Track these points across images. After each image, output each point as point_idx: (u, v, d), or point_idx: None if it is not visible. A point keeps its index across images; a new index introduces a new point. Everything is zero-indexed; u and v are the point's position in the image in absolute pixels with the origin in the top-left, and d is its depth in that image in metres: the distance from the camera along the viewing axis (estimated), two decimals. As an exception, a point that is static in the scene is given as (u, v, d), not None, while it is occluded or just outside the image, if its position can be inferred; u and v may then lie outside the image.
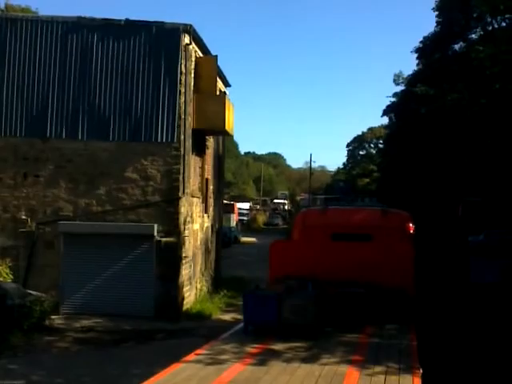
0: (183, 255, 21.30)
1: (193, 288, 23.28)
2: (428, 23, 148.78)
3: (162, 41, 20.92)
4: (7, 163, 21.00)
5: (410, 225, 15.83)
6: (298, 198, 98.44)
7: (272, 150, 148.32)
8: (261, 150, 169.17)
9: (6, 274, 20.30)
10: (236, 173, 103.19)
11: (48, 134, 20.87)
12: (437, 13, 36.89)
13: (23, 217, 20.91)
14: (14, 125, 20.97)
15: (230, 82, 29.87)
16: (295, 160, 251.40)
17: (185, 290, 21.65)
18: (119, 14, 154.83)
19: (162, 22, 21.00)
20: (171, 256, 20.61)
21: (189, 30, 21.12)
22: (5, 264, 20.41)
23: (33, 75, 21.05)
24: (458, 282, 21.39)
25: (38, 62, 21.07)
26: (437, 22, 37.39)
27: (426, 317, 16.17)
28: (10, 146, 20.95)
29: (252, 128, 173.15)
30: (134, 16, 21.73)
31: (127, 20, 21.18)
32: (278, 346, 10.40)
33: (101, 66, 20.98)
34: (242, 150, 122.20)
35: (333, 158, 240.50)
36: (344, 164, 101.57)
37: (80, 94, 20.97)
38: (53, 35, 21.12)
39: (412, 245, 15.06)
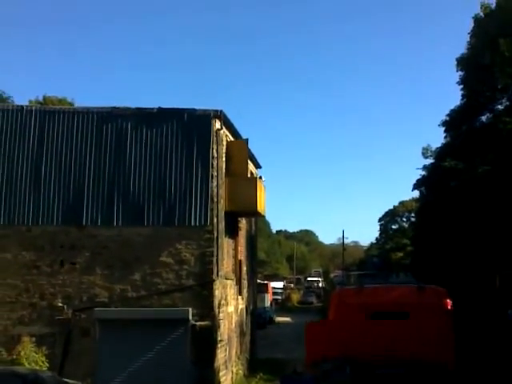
0: (218, 339, 21.15)
1: (229, 372, 22.99)
2: (454, 96, 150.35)
3: (193, 127, 21.44)
4: (44, 251, 21.30)
5: (448, 301, 15.65)
6: (332, 274, 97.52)
7: (303, 227, 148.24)
8: (292, 228, 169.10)
9: (42, 362, 20.28)
10: (269, 252, 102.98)
11: (84, 222, 21.24)
12: (462, 86, 37.33)
13: (59, 304, 21.03)
14: (50, 213, 21.40)
15: (261, 161, 30.35)
16: (327, 236, 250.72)
17: (221, 374, 21.38)
18: (151, 102, 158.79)
19: (194, 109, 21.58)
20: (206, 340, 20.46)
21: (219, 115, 21.66)
22: (41, 352, 20.41)
23: (69, 164, 21.61)
24: (500, 356, 20.90)
25: (74, 151, 21.66)
26: (462, 95, 37.76)
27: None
28: (46, 234, 21.33)
29: (283, 206, 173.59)
30: (166, 103, 22.39)
31: (160, 108, 21.80)
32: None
33: (135, 153, 21.50)
34: (274, 228, 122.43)
35: (365, 233, 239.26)
36: (377, 238, 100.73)
37: (115, 180, 21.44)
38: (88, 125, 21.78)
39: (451, 321, 14.86)
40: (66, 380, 18.57)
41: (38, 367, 19.59)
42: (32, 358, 20.07)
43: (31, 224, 21.39)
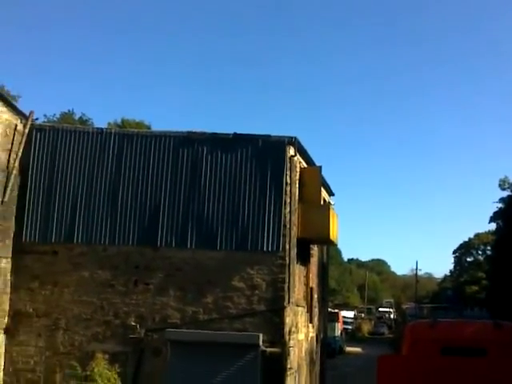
0: (288, 366, 20.98)
1: (297, 400, 22.77)
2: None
3: (267, 153, 21.54)
4: (119, 270, 21.70)
5: (526, 339, 15.04)
6: (404, 306, 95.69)
7: (375, 257, 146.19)
8: (364, 257, 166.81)
9: (115, 379, 20.57)
10: (339, 280, 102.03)
11: (158, 243, 21.56)
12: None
13: (133, 323, 21.34)
14: (126, 234, 21.80)
15: (334, 189, 30.27)
16: (400, 267, 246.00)
17: (289, 402, 21.19)
18: (226, 127, 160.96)
19: (269, 135, 21.69)
20: (276, 367, 20.31)
21: (293, 142, 21.71)
22: (114, 370, 20.70)
23: (145, 187, 22.03)
24: None
25: (150, 174, 22.06)
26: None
27: None
28: (122, 254, 21.76)
29: (355, 234, 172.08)
30: (241, 129, 22.59)
31: (235, 134, 22.01)
32: None
33: (209, 178, 21.74)
34: (346, 256, 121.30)
35: (439, 265, 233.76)
36: (451, 271, 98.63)
37: (190, 204, 21.70)
38: (165, 149, 22.15)
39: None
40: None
41: (110, 385, 19.94)
42: (105, 375, 20.41)
43: (107, 244, 21.83)
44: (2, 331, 21.31)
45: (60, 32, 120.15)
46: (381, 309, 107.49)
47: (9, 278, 21.58)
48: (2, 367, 21.29)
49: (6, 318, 21.48)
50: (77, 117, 49.75)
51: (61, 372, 21.19)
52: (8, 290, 21.56)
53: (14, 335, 21.51)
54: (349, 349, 58.34)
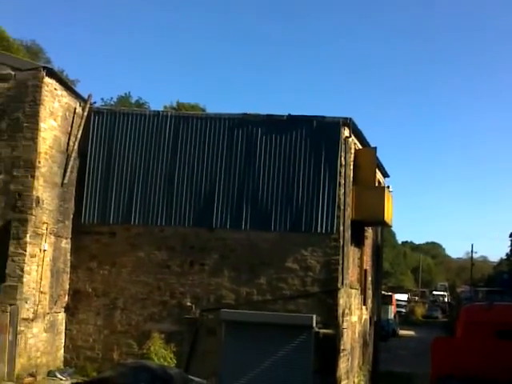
0: (341, 348, 21.02)
1: (350, 382, 22.81)
2: None
3: (322, 134, 21.48)
4: (175, 251, 22.03)
5: None
6: (459, 289, 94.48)
7: (430, 240, 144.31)
8: (418, 240, 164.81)
9: (170, 358, 21.01)
10: (393, 263, 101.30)
11: (214, 225, 21.78)
12: None
13: (188, 303, 21.67)
14: (182, 215, 22.08)
15: (389, 170, 29.96)
16: (455, 250, 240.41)
17: (342, 383, 21.25)
18: (281, 109, 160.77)
19: (323, 117, 21.62)
20: (329, 348, 20.38)
21: (348, 123, 21.59)
22: (169, 349, 21.16)
23: (201, 168, 22.23)
24: None
25: (206, 156, 22.26)
26: None
27: None
28: (178, 235, 22.06)
29: (410, 217, 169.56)
30: (295, 111, 22.51)
31: (289, 115, 22.01)
32: None
33: (264, 159, 21.82)
34: (400, 239, 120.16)
35: (495, 248, 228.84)
36: (507, 254, 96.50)
37: (244, 185, 21.84)
38: (220, 130, 22.32)
39: None
40: (191, 377, 19.20)
41: (166, 363, 20.31)
42: (161, 353, 20.87)
43: (164, 225, 22.16)
44: (63, 309, 21.97)
45: (116, 17, 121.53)
46: (435, 292, 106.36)
47: (68, 257, 22.20)
48: (63, 344, 21.98)
49: (67, 297, 22.15)
50: (133, 100, 50.39)
51: (118, 350, 21.75)
52: (68, 269, 22.20)
53: (73, 314, 22.17)
54: (402, 332, 58.01)
